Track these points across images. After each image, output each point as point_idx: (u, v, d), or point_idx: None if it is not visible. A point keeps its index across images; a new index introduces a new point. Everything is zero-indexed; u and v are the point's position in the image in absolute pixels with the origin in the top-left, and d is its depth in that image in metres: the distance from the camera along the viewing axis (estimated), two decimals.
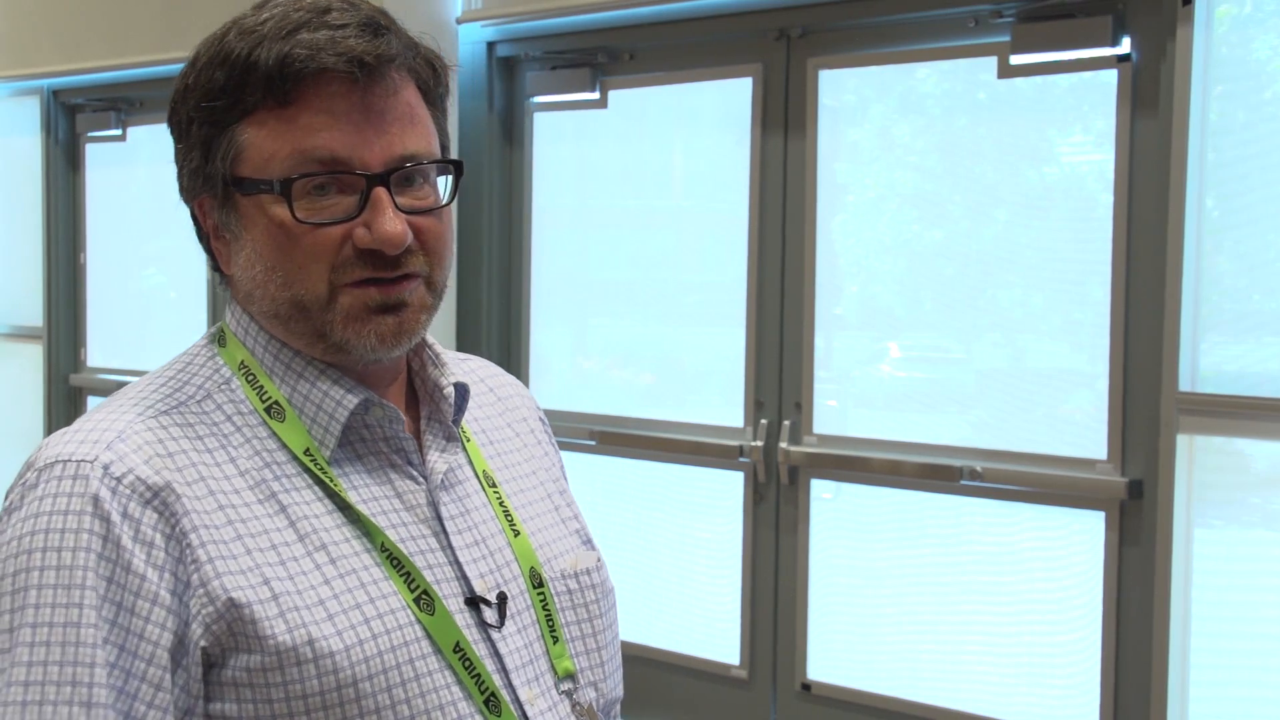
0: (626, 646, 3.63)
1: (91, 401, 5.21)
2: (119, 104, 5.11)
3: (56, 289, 5.29)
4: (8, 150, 5.49)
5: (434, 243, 1.19)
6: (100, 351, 5.30)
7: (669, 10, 3.67)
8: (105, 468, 1.10)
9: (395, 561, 1.16)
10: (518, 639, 1.21)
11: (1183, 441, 2.88)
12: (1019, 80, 3.16)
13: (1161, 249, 2.90)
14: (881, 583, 3.41)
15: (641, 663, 3.73)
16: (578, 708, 1.24)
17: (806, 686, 3.51)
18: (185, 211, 1.25)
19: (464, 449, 1.28)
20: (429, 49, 1.23)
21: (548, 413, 1.50)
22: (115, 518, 1.08)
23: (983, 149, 3.25)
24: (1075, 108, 3.14)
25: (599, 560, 1.34)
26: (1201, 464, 2.89)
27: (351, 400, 1.19)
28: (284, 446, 1.18)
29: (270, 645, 1.09)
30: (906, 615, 3.37)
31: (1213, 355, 2.88)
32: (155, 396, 1.18)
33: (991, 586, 3.24)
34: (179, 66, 1.21)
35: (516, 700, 1.18)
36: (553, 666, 1.24)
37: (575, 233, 4.08)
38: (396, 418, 1.22)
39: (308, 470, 1.17)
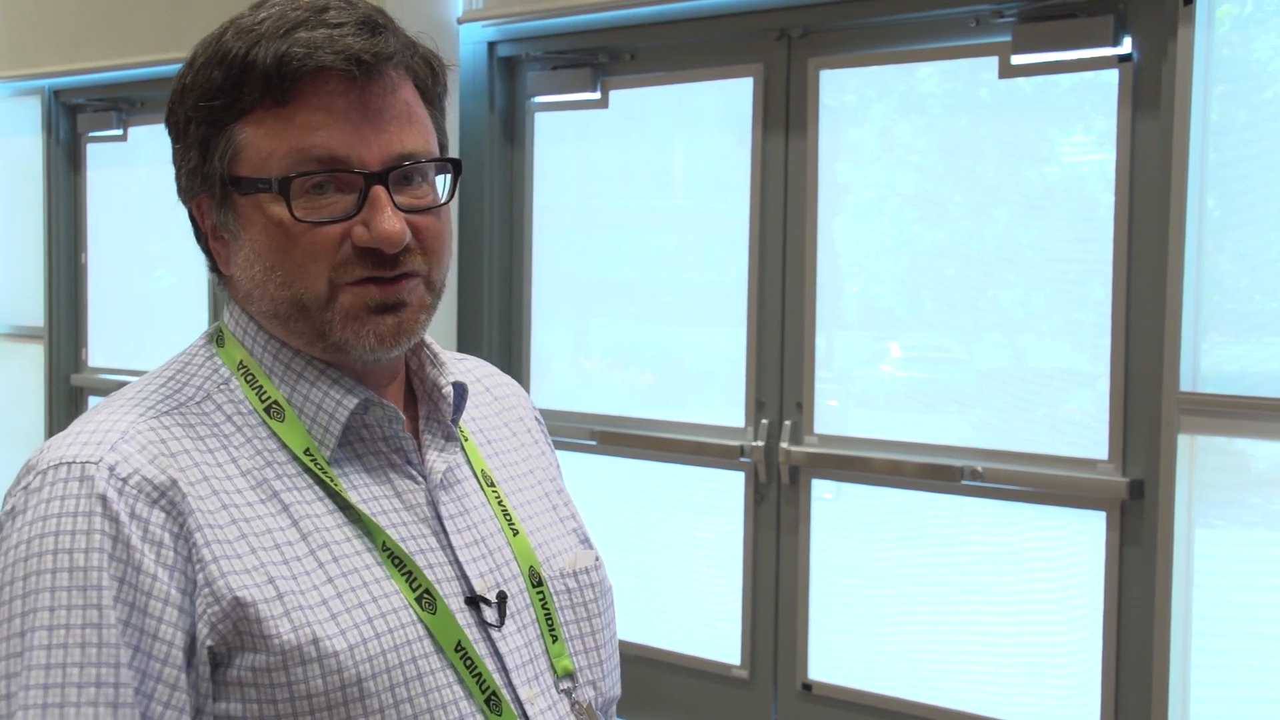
0: (627, 646, 3.63)
1: (92, 401, 5.21)
2: (120, 104, 5.11)
3: (58, 289, 5.30)
4: (9, 150, 5.49)
5: (432, 241, 1.19)
6: (101, 351, 5.30)
7: (670, 10, 3.67)
8: (111, 468, 1.09)
9: (396, 561, 1.16)
10: (517, 638, 1.21)
11: (1184, 441, 2.88)
12: (1020, 80, 3.16)
13: (1163, 249, 2.90)
14: (882, 583, 3.41)
15: (642, 663, 3.73)
16: (577, 706, 1.24)
17: (807, 686, 3.51)
18: (185, 212, 1.24)
19: (462, 449, 1.28)
20: (427, 48, 1.23)
21: (549, 413, 1.50)
22: (124, 518, 1.08)
23: (984, 149, 3.25)
24: (1076, 108, 3.13)
25: (597, 559, 1.35)
26: (1202, 464, 2.88)
27: (351, 401, 1.19)
28: (284, 446, 1.18)
29: (275, 645, 1.09)
30: (907, 615, 3.37)
31: (1214, 355, 2.88)
32: (155, 398, 1.18)
33: (992, 586, 3.24)
34: (180, 66, 1.21)
35: (517, 699, 1.18)
36: (552, 665, 1.24)
37: (576, 233, 4.08)
38: (396, 417, 1.22)
39: (308, 470, 1.17)
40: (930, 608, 3.33)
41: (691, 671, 3.75)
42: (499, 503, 1.28)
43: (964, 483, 3.21)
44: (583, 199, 4.09)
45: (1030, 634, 3.18)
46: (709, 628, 3.73)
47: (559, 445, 1.48)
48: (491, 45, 4.05)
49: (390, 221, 1.15)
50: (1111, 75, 3.01)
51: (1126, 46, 2.98)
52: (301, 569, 1.12)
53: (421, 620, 1.15)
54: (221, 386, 1.20)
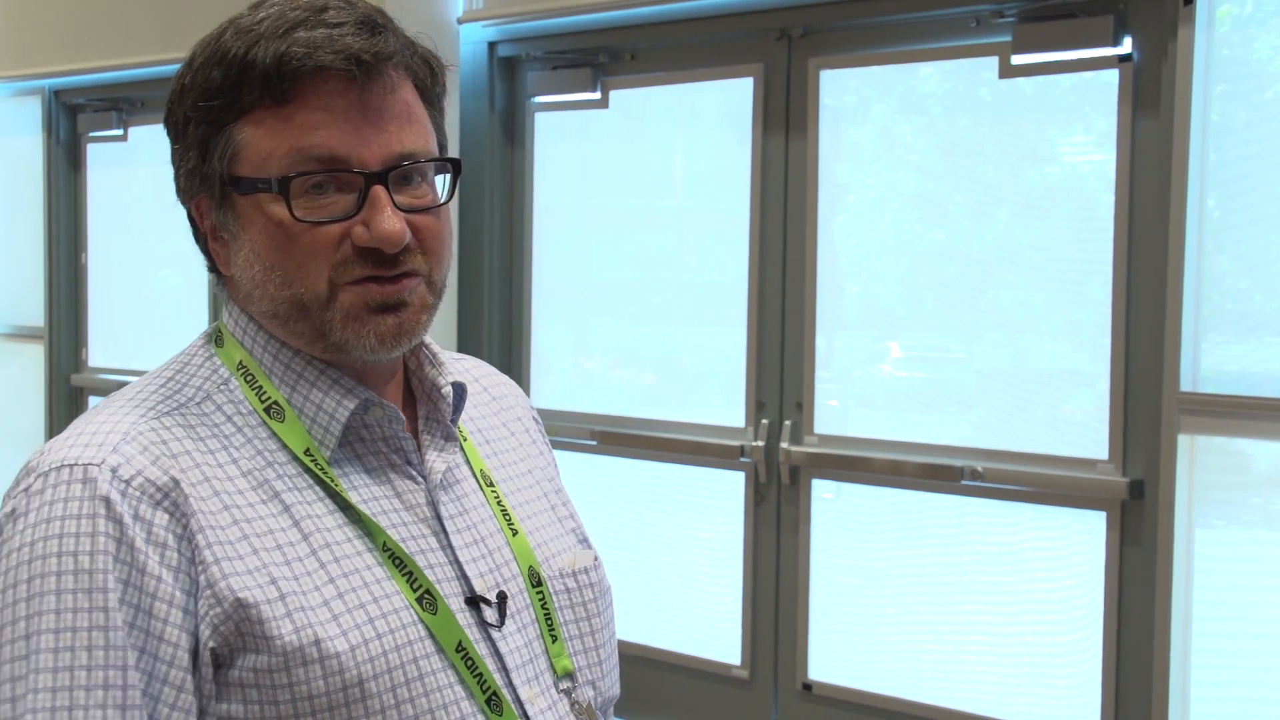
0: (627, 646, 3.63)
1: (93, 401, 5.21)
2: (120, 104, 5.11)
3: (58, 289, 5.30)
4: (9, 150, 5.49)
5: (432, 241, 1.19)
6: (101, 351, 5.31)
7: (670, 10, 3.67)
8: (114, 470, 1.09)
9: (397, 561, 1.16)
10: (517, 638, 1.21)
11: (1184, 441, 2.88)
12: (1020, 80, 3.16)
13: (1163, 249, 2.90)
14: (882, 583, 3.41)
15: (642, 663, 3.73)
16: (576, 706, 1.24)
17: (807, 686, 3.51)
18: (184, 212, 1.24)
19: (461, 449, 1.28)
20: (425, 48, 1.22)
21: (549, 413, 1.50)
22: (128, 520, 1.08)
23: (984, 149, 3.25)
24: (1076, 108, 3.13)
25: (595, 559, 1.34)
26: (1203, 464, 2.88)
27: (351, 401, 1.19)
28: (284, 447, 1.18)
29: (277, 646, 1.09)
30: (907, 615, 3.37)
31: (1214, 355, 2.88)
32: (155, 398, 1.18)
33: (992, 587, 3.24)
34: (179, 67, 1.21)
35: (517, 699, 1.18)
36: (552, 665, 1.24)
37: (576, 233, 4.08)
38: (396, 417, 1.21)
39: (308, 470, 1.17)
40: (930, 608, 3.33)
41: (692, 671, 3.75)
42: (498, 503, 1.28)
43: (964, 483, 3.21)
44: (583, 199, 4.09)
45: (1030, 634, 3.18)
46: (709, 628, 3.73)
47: (559, 445, 1.48)
48: (492, 45, 4.05)
49: (390, 221, 1.14)
50: (1112, 75, 3.01)
51: (1127, 46, 2.98)
52: (303, 569, 1.12)
53: (422, 621, 1.15)
54: (221, 387, 1.20)
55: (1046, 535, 3.16)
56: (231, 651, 1.09)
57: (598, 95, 3.90)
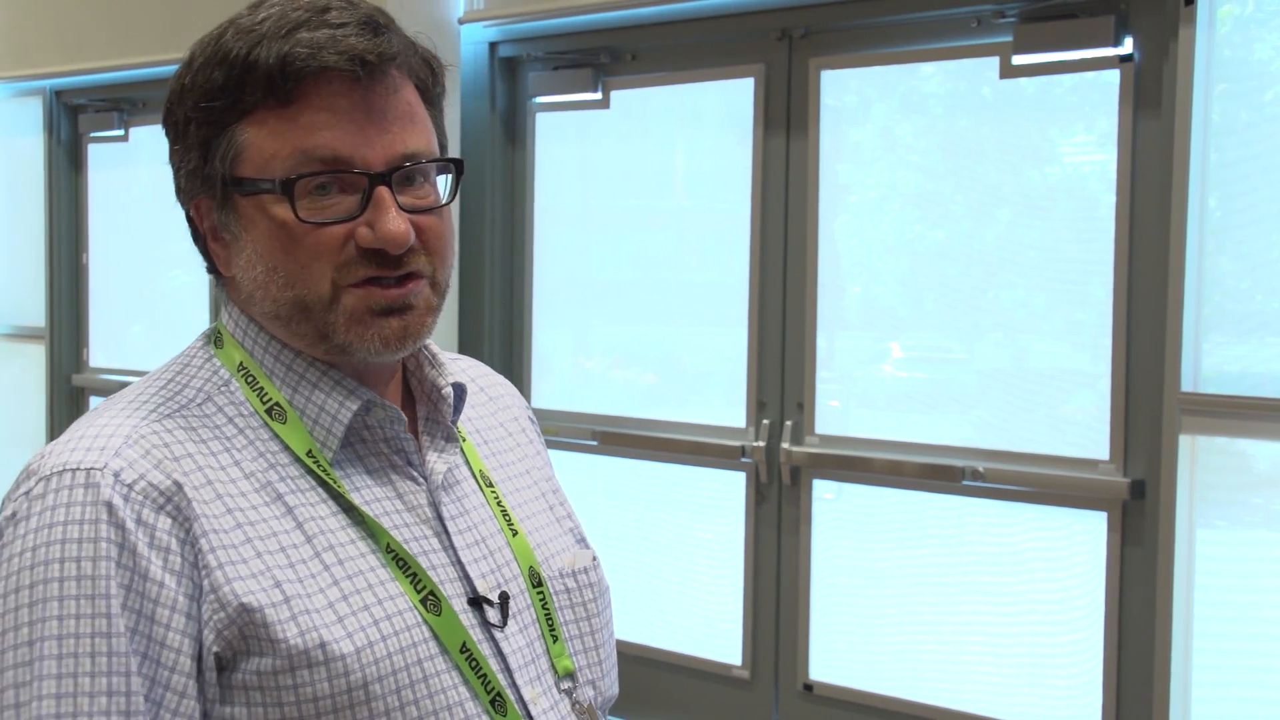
0: (628, 646, 3.63)
1: (94, 402, 5.22)
2: (121, 104, 5.11)
3: (59, 289, 5.30)
4: (10, 151, 5.49)
5: (436, 242, 1.19)
6: (102, 352, 5.31)
7: (671, 11, 3.67)
8: (116, 474, 1.09)
9: (401, 562, 1.16)
10: (519, 638, 1.21)
11: (1185, 442, 2.88)
12: (1021, 80, 3.16)
13: (1164, 249, 2.90)
14: (883, 583, 3.41)
15: (643, 663, 3.73)
16: (577, 706, 1.25)
17: (808, 687, 3.51)
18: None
19: (461, 449, 1.28)
20: (426, 49, 1.22)
21: (550, 413, 1.50)
22: (130, 525, 1.07)
23: (985, 149, 3.25)
24: (1077, 108, 3.13)
25: (594, 559, 1.34)
26: (1204, 464, 2.88)
27: (354, 403, 1.19)
28: (286, 448, 1.17)
29: (283, 648, 1.08)
30: (908, 616, 3.37)
31: (1215, 355, 2.88)
32: (156, 400, 1.17)
33: (993, 587, 3.23)
34: (178, 67, 1.21)
35: (521, 700, 1.18)
36: (553, 665, 1.24)
37: (577, 233, 4.08)
38: (398, 418, 1.21)
39: (310, 472, 1.17)
40: (931, 608, 3.33)
41: (692, 672, 3.75)
42: (498, 503, 1.28)
43: (965, 483, 3.21)
44: (584, 199, 4.09)
45: (1031, 634, 3.18)
46: (710, 628, 3.73)
47: (561, 445, 1.49)
48: (493, 45, 4.05)
49: (395, 222, 1.14)
50: (1113, 75, 3.01)
51: (1128, 47, 2.98)
52: (307, 571, 1.12)
53: (427, 622, 1.14)
54: (222, 388, 1.19)
55: (1047, 535, 3.16)
56: (235, 655, 1.09)
57: (599, 95, 3.90)
